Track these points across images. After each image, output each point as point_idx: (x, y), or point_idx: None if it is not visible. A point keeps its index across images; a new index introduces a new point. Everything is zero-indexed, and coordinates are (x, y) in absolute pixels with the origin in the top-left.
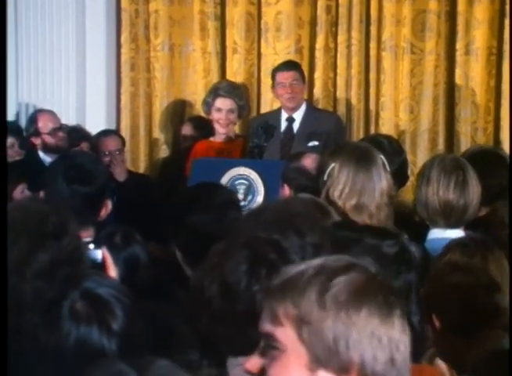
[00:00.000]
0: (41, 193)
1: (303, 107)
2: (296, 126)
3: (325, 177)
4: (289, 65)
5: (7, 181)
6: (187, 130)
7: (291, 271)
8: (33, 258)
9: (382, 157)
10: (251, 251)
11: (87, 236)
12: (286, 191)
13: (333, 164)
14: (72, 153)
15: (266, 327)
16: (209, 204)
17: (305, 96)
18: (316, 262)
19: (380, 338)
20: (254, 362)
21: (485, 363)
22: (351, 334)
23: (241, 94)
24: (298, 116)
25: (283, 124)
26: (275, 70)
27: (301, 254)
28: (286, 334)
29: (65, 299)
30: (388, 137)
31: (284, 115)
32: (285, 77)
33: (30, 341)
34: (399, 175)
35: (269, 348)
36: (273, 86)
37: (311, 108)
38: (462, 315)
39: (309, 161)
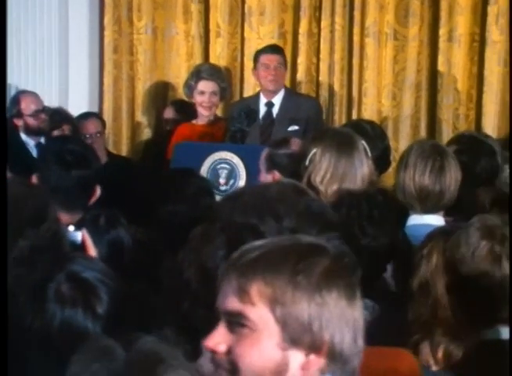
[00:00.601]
0: (34, 178)
1: (282, 92)
2: (275, 111)
3: (306, 162)
4: (274, 48)
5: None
6: (169, 113)
7: (257, 247)
8: (13, 246)
9: (364, 142)
10: (229, 235)
11: (76, 219)
12: (277, 177)
13: (314, 150)
14: (65, 137)
15: (234, 304)
16: (181, 194)
17: (288, 81)
18: (285, 241)
19: (347, 319)
20: (217, 340)
21: (478, 351)
22: (323, 315)
23: (223, 76)
24: (277, 100)
25: (262, 109)
26: (260, 52)
27: None
28: (259, 314)
29: (51, 282)
30: (371, 122)
31: (263, 100)
32: (270, 59)
33: (15, 325)
34: (382, 161)
35: (237, 326)
36: (255, 68)
37: (291, 92)
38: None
39: (296, 147)
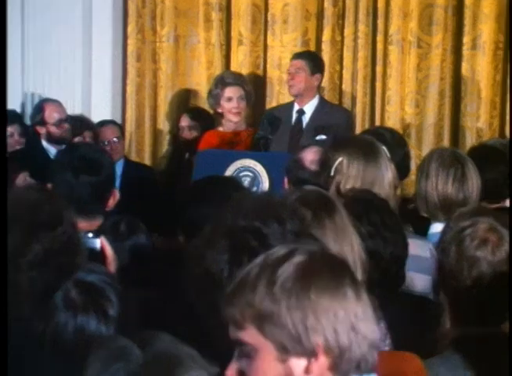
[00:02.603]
0: (49, 185)
1: (315, 100)
2: (306, 119)
3: (332, 172)
4: (297, 54)
5: (7, 180)
6: (184, 121)
7: (239, 275)
8: (27, 249)
9: (385, 148)
10: (232, 239)
11: (96, 226)
12: (286, 184)
13: (340, 159)
14: (77, 144)
15: (232, 333)
16: (212, 199)
17: None
18: (258, 259)
19: (336, 312)
20: (233, 369)
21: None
22: (307, 317)
23: (247, 81)
24: (309, 109)
25: (294, 117)
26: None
27: (282, 241)
28: (250, 335)
29: (58, 291)
30: (390, 130)
31: (296, 107)
32: (291, 64)
33: (26, 333)
34: (402, 167)
35: (242, 352)
36: None
37: (324, 102)
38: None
39: (309, 155)
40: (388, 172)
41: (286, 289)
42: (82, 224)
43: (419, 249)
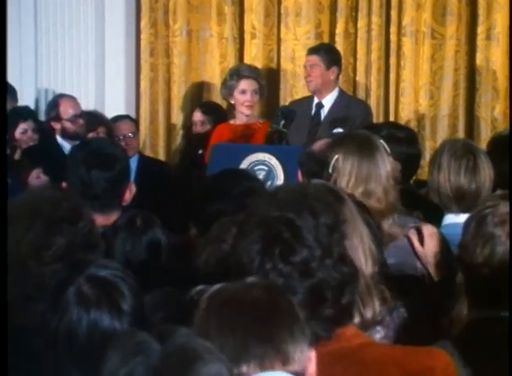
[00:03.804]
0: (64, 184)
1: (334, 93)
2: (324, 112)
3: (330, 169)
4: (313, 48)
5: (6, 178)
6: (197, 115)
7: None
8: (51, 242)
9: (382, 141)
10: (265, 230)
11: (112, 221)
12: (300, 177)
13: (336, 156)
14: (90, 140)
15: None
16: (227, 194)
17: None
18: None
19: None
20: None
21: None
22: None
23: (262, 74)
24: (328, 102)
25: (313, 110)
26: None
27: (315, 233)
28: None
29: (70, 286)
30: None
31: (315, 100)
32: (307, 60)
33: (40, 329)
34: (410, 167)
35: None
36: None
37: (343, 95)
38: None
39: (320, 147)
40: (386, 166)
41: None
42: (99, 219)
43: None
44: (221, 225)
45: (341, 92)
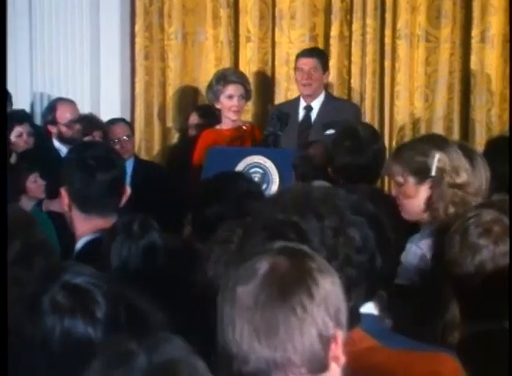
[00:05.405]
0: (62, 191)
1: (321, 96)
2: (314, 115)
3: (433, 173)
4: (310, 51)
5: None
6: (193, 119)
7: None
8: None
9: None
10: (270, 232)
11: (111, 223)
12: (294, 180)
13: (437, 156)
14: (88, 143)
15: None
16: (225, 197)
17: None
18: None
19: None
20: None
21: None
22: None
23: (248, 80)
24: (316, 105)
25: (301, 113)
26: (297, 56)
27: (320, 236)
28: None
29: (44, 294)
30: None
31: (303, 103)
32: (304, 62)
33: (17, 336)
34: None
35: None
36: (295, 72)
37: (330, 97)
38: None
39: (317, 150)
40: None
41: (272, 296)
42: (98, 222)
43: None
44: (227, 227)
45: (327, 95)
